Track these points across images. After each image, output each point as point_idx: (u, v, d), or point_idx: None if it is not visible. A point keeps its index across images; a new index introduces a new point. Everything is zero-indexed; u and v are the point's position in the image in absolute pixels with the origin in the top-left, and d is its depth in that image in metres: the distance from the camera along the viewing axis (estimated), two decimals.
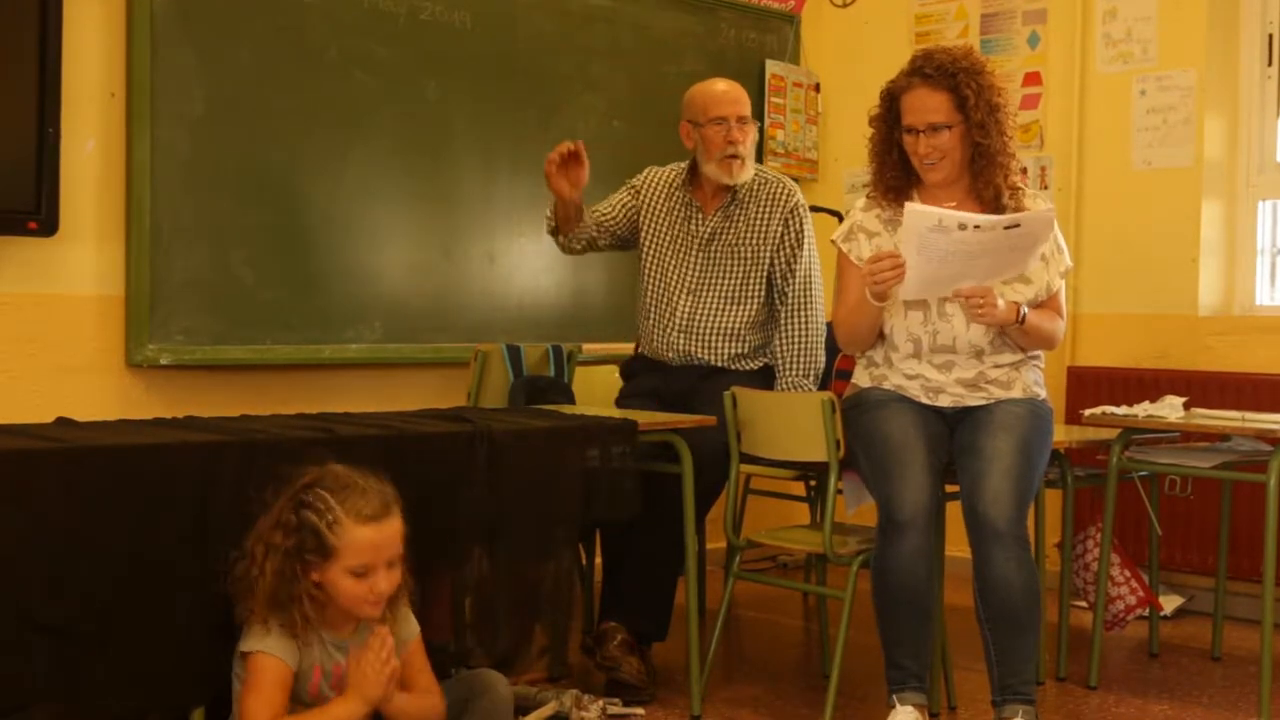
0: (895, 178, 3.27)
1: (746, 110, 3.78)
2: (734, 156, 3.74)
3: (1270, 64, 4.59)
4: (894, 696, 3.03)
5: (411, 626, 2.59)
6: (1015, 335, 3.18)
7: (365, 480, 2.46)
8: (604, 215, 3.87)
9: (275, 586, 2.40)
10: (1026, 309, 3.13)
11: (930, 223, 3.01)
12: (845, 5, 5.47)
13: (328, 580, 2.43)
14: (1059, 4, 4.87)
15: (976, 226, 2.99)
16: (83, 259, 3.61)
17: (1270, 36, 4.58)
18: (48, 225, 3.47)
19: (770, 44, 5.27)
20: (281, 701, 2.41)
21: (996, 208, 3.19)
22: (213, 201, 3.78)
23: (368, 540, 2.42)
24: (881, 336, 3.27)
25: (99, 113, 3.62)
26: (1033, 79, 4.96)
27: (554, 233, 3.84)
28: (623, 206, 3.90)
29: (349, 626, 2.50)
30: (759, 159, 4.97)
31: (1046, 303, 3.23)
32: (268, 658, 2.41)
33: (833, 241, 3.40)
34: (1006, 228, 3.00)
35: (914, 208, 3.07)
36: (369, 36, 4.08)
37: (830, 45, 5.47)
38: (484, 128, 4.37)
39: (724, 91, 3.81)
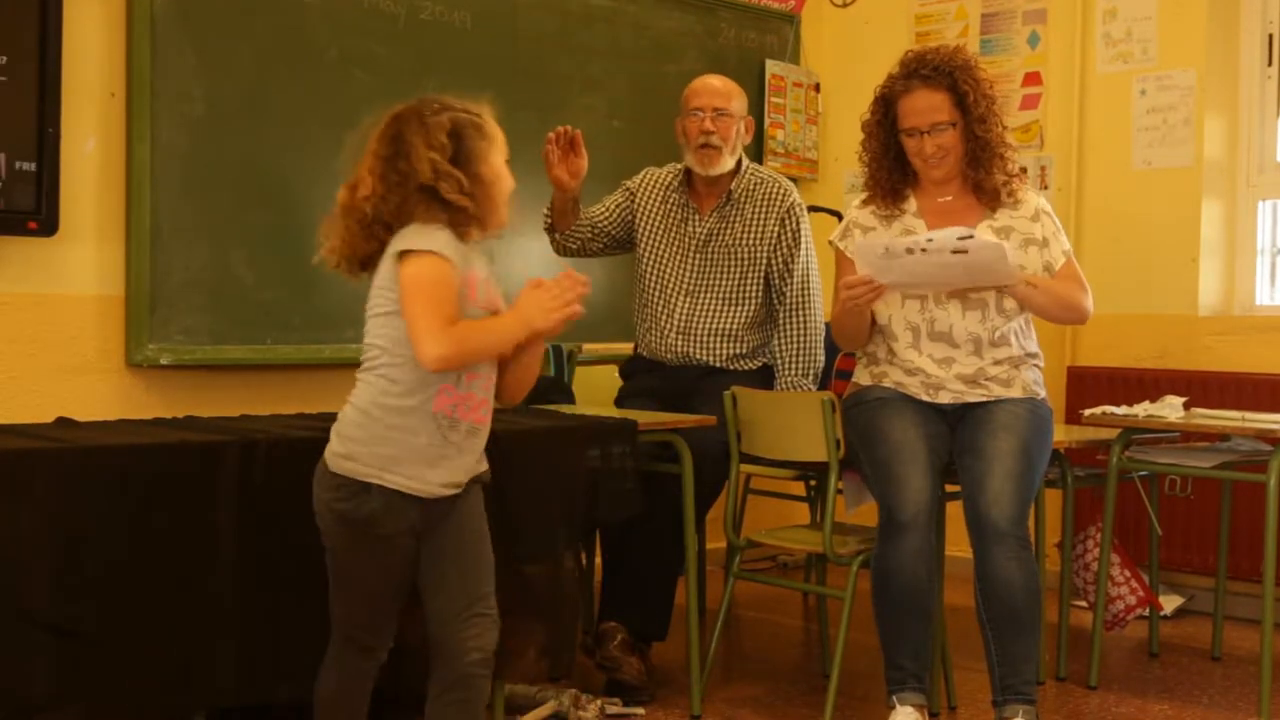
0: (892, 180, 3.30)
1: (728, 104, 3.76)
2: (706, 146, 3.73)
3: (1270, 64, 4.59)
4: (894, 697, 3.04)
5: None
6: (1036, 298, 3.17)
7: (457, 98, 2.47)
8: (598, 216, 3.86)
9: (439, 184, 2.34)
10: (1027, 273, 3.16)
11: (878, 252, 3.08)
12: (845, 5, 5.47)
13: (493, 172, 2.40)
14: (1059, 4, 4.87)
15: (923, 250, 3.04)
16: (83, 259, 3.61)
17: (1270, 36, 4.58)
18: (48, 225, 3.46)
19: (770, 44, 5.27)
20: (456, 308, 2.30)
21: (995, 200, 3.22)
22: (213, 201, 3.78)
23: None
24: (880, 329, 3.28)
25: (99, 113, 3.62)
26: (1033, 79, 4.96)
27: (550, 229, 3.84)
28: (617, 208, 3.89)
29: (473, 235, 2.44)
30: (759, 159, 4.99)
31: (1060, 275, 3.24)
32: (440, 260, 2.30)
33: (830, 242, 3.41)
34: (954, 251, 3.03)
35: (860, 245, 3.15)
36: (369, 36, 4.07)
37: (830, 45, 5.47)
38: None
39: (705, 84, 3.81)
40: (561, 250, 3.87)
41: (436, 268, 2.30)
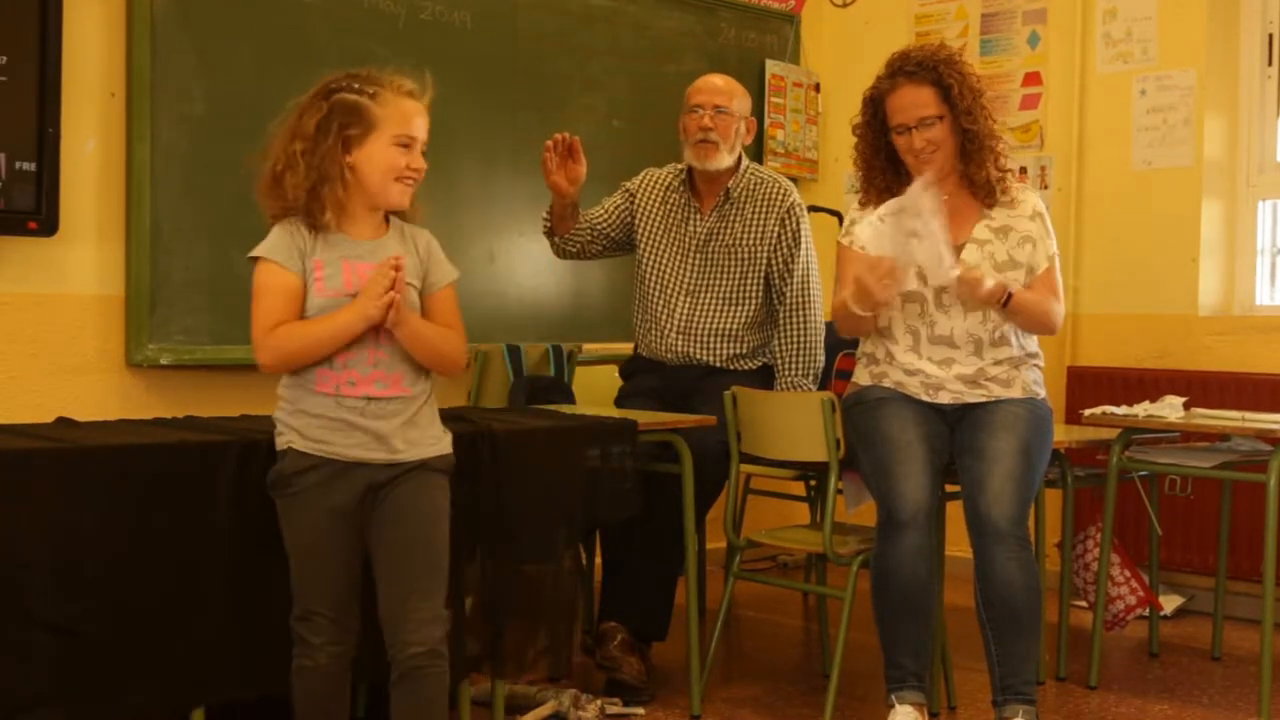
0: (886, 180, 3.30)
1: (729, 102, 3.76)
2: (704, 141, 3.73)
3: (1270, 64, 4.59)
4: (893, 696, 3.04)
5: (447, 271, 2.57)
6: (1008, 316, 3.17)
7: (397, 70, 2.49)
8: (597, 219, 3.86)
9: (306, 176, 2.39)
10: (1012, 290, 3.14)
11: (874, 222, 3.17)
12: (845, 5, 5.47)
13: (366, 156, 2.41)
14: (1059, 4, 4.87)
15: (894, 214, 3.10)
16: (83, 259, 3.61)
17: (1270, 36, 4.58)
18: (48, 225, 3.46)
19: (770, 44, 5.27)
20: (286, 309, 2.40)
21: (991, 197, 3.23)
22: (213, 201, 3.78)
23: (412, 110, 2.45)
24: (880, 331, 3.28)
25: (99, 113, 3.62)
26: (1033, 79, 4.96)
27: (549, 233, 3.85)
28: (616, 209, 3.89)
29: (371, 228, 2.49)
30: (759, 159, 4.99)
31: (1037, 282, 3.23)
32: (269, 264, 2.41)
33: (838, 241, 3.41)
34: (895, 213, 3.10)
35: (862, 226, 3.19)
36: (369, 36, 4.07)
37: (830, 45, 5.47)
38: (484, 128, 4.37)
39: (707, 81, 3.82)
40: (561, 253, 3.88)
41: (259, 275, 2.44)
